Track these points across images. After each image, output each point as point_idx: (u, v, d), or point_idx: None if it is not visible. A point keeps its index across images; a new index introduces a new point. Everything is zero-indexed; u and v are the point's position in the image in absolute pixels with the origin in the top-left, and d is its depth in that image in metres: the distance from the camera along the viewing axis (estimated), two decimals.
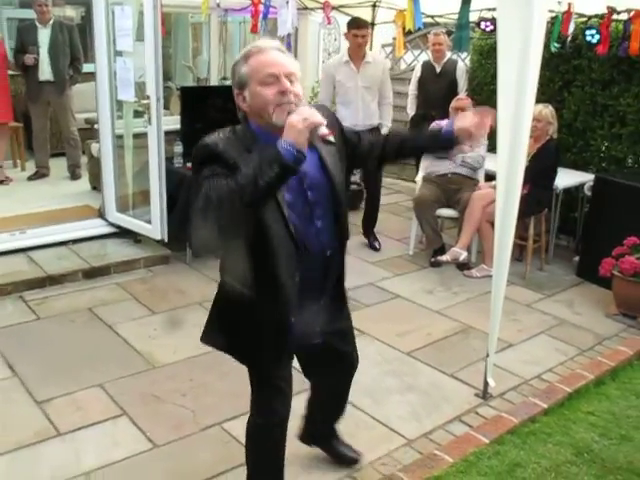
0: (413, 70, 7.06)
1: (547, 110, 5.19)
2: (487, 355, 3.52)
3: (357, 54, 5.30)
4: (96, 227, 5.50)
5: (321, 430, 2.95)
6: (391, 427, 3.24)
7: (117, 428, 3.17)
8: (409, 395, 3.56)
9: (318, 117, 1.88)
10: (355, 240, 5.69)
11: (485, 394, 3.55)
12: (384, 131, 5.42)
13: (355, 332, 4.19)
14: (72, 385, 3.49)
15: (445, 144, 2.40)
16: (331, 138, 1.96)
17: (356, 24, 5.30)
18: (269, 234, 2.08)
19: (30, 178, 7.25)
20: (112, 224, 5.53)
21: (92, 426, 3.17)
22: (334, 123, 2.20)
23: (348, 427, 3.14)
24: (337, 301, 2.43)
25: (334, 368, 2.65)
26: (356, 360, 2.70)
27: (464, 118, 2.30)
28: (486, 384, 3.54)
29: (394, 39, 7.22)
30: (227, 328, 2.35)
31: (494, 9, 5.55)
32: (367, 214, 5.93)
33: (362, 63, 5.35)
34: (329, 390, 2.78)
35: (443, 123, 5.66)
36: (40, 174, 7.31)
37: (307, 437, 2.94)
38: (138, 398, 3.40)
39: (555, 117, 5.25)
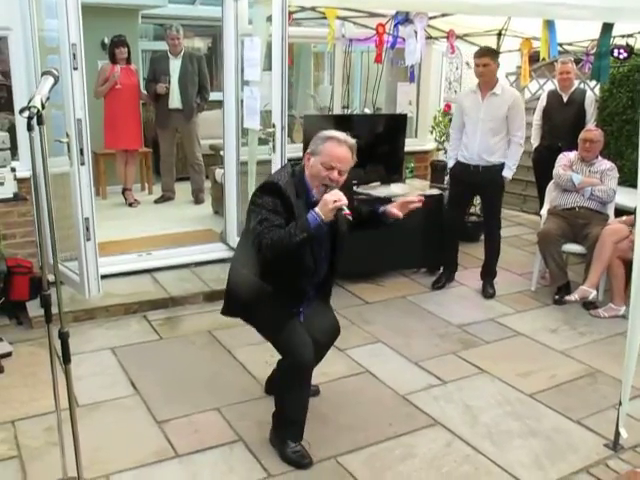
0: (538, 99, 6.84)
1: None
2: (619, 403, 3.28)
3: (482, 84, 5.14)
4: (218, 251, 5.64)
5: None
6: (513, 474, 3.07)
7: (233, 454, 3.18)
8: (532, 440, 3.37)
9: (344, 201, 2.72)
10: (475, 273, 5.53)
11: (616, 445, 3.31)
12: (505, 173, 5.18)
13: (474, 369, 4.11)
14: (190, 407, 3.55)
15: (379, 220, 3.26)
16: (349, 217, 2.76)
17: (476, 52, 5.17)
18: (304, 263, 3.04)
19: (156, 201, 7.57)
20: (233, 248, 5.64)
21: (209, 450, 3.20)
22: (351, 198, 3.01)
23: (466, 470, 3.02)
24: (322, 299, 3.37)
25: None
26: (336, 330, 3.47)
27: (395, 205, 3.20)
28: (617, 434, 3.30)
29: (519, 67, 7.04)
30: (245, 302, 3.09)
31: (629, 35, 5.31)
32: (485, 258, 5.58)
33: (488, 94, 5.15)
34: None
35: (571, 155, 5.51)
36: (166, 197, 7.61)
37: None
38: (254, 425, 3.40)
39: None
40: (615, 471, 3.13)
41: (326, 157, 2.87)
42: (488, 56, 5.00)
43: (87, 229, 4.45)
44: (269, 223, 2.80)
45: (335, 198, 2.71)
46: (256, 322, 3.21)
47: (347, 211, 2.73)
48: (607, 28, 3.41)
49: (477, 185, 5.30)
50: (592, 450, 3.30)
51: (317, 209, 2.74)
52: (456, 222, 5.59)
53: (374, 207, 3.29)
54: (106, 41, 7.45)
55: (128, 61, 7.13)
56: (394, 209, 3.15)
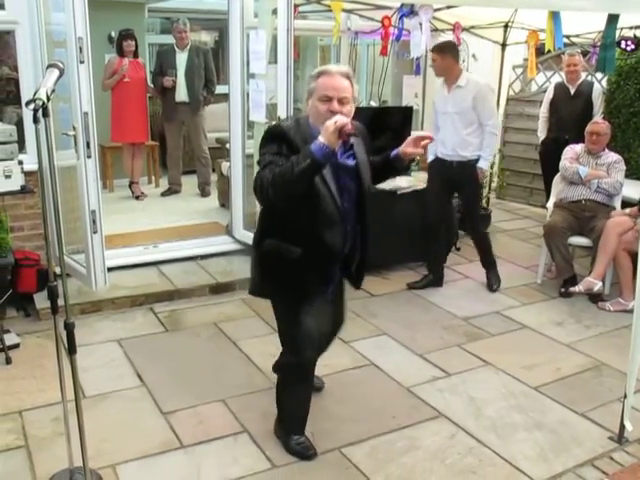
0: (545, 92, 6.81)
1: None
2: (624, 396, 3.28)
3: (445, 78, 5.03)
4: (223, 244, 5.66)
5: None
6: (517, 466, 3.08)
7: (237, 445, 3.21)
8: (536, 433, 3.38)
9: (345, 120, 2.49)
10: (480, 266, 5.52)
11: (621, 438, 3.31)
12: (480, 163, 5.07)
13: (478, 362, 4.12)
14: (196, 398, 3.57)
15: (395, 164, 2.99)
16: (352, 132, 2.51)
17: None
18: (321, 205, 2.76)
19: (163, 194, 7.59)
20: (239, 241, 5.66)
21: (214, 441, 3.22)
22: (365, 135, 2.97)
23: (470, 462, 3.03)
24: (343, 273, 3.16)
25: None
26: (342, 321, 3.44)
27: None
28: (622, 427, 3.30)
29: (525, 60, 7.02)
30: (272, 279, 2.94)
31: (636, 27, 5.29)
32: (479, 254, 5.52)
33: (453, 87, 5.01)
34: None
35: (577, 148, 5.50)
36: (172, 190, 7.64)
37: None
38: (259, 416, 3.42)
39: None
40: (620, 464, 3.13)
41: (320, 91, 2.69)
42: (436, 52, 4.93)
43: (94, 222, 4.47)
44: (274, 165, 2.60)
45: (334, 119, 2.49)
46: (277, 300, 3.05)
47: (349, 127, 2.49)
48: (612, 19, 3.40)
49: (453, 181, 5.22)
50: (597, 443, 3.30)
51: (320, 137, 2.51)
52: (439, 223, 5.37)
53: (385, 153, 3.06)
54: (113, 35, 7.47)
55: (135, 54, 7.15)
56: (408, 148, 2.91)
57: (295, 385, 3.11)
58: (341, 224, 2.85)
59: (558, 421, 3.49)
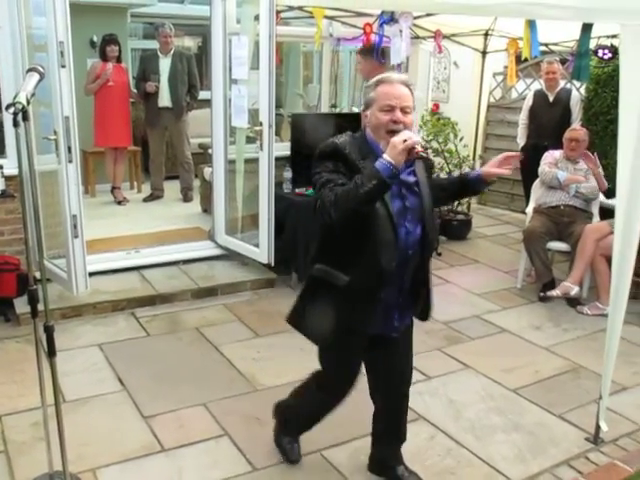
0: (524, 99, 6.90)
1: None
2: (600, 397, 3.34)
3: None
4: (206, 249, 5.67)
5: (386, 456, 3.01)
6: (495, 467, 3.12)
7: (218, 448, 3.22)
8: (514, 434, 3.42)
9: (415, 138, 2.30)
10: (461, 271, 5.57)
11: (596, 439, 3.37)
12: None
13: (459, 365, 4.15)
14: (177, 402, 3.58)
15: (474, 187, 2.81)
16: (424, 154, 2.34)
17: None
18: (377, 227, 2.45)
19: (145, 199, 7.58)
20: (221, 246, 5.68)
21: (194, 444, 3.23)
22: (429, 156, 2.60)
23: (449, 463, 3.07)
24: (409, 305, 2.70)
25: (390, 378, 2.87)
26: (410, 376, 2.92)
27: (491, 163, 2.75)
28: (598, 428, 3.36)
29: (505, 67, 7.10)
30: (315, 312, 2.64)
31: (613, 36, 5.37)
32: None
33: None
34: (386, 407, 2.96)
35: (556, 154, 5.57)
36: (155, 196, 7.63)
37: (374, 466, 3.05)
38: (240, 419, 3.44)
39: None
40: (595, 464, 3.18)
41: (381, 100, 2.45)
42: (360, 55, 4.97)
43: (75, 226, 4.47)
44: (332, 183, 2.37)
45: (404, 137, 2.28)
46: (314, 338, 2.73)
47: (419, 148, 2.30)
48: (586, 28, 3.47)
49: None
50: (573, 444, 3.36)
51: (385, 155, 2.29)
52: None
53: (464, 174, 2.89)
54: (95, 39, 7.46)
55: (119, 59, 7.15)
56: (493, 168, 2.70)
57: (314, 403, 2.99)
58: (400, 249, 2.50)
59: (536, 423, 3.54)
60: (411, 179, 2.56)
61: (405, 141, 2.26)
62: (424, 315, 2.80)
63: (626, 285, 3.14)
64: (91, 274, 4.78)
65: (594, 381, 3.83)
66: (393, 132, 2.39)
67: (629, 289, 3.22)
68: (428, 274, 2.69)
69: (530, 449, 3.30)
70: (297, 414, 3.08)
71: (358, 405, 3.59)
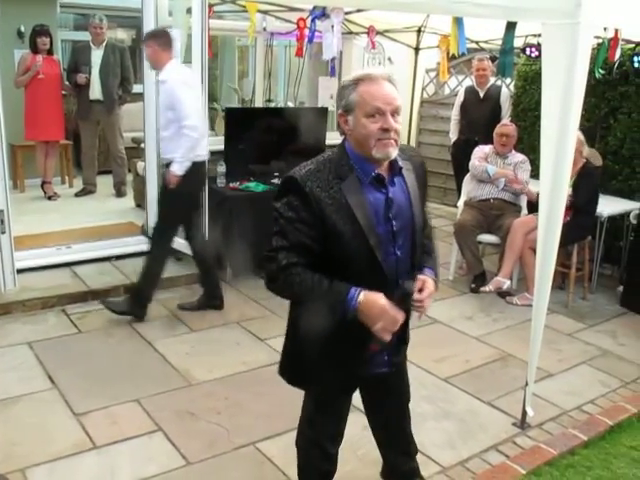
0: (456, 95, 7.05)
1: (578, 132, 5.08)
2: (526, 384, 3.46)
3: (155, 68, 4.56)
4: (139, 244, 5.57)
5: (400, 467, 2.81)
6: (426, 453, 3.19)
7: (152, 443, 3.20)
8: (445, 422, 3.51)
9: (385, 338, 2.03)
10: None
11: (523, 424, 3.49)
12: (172, 167, 4.31)
13: None
14: (109, 399, 3.53)
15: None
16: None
17: None
18: (356, 265, 2.11)
19: (77, 194, 7.42)
20: None
21: (127, 440, 3.20)
22: (418, 165, 2.31)
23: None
24: (401, 335, 2.36)
25: (387, 401, 2.62)
26: (408, 396, 2.71)
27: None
28: (524, 413, 3.48)
29: (438, 64, 7.24)
30: (300, 361, 2.36)
31: (540, 35, 5.54)
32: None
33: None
34: (385, 425, 2.72)
35: (486, 149, 5.71)
36: (87, 191, 7.48)
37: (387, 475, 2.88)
38: (173, 414, 3.42)
39: (584, 138, 5.09)
40: (522, 447, 3.29)
41: (368, 104, 2.04)
42: (143, 42, 4.54)
43: (1, 222, 4.35)
44: (284, 240, 2.06)
45: (383, 331, 2.01)
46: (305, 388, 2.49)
47: (375, 344, 2.13)
48: (511, 26, 3.58)
49: None
50: (501, 429, 3.47)
51: (363, 299, 2.00)
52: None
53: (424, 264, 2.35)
54: (23, 29, 7.25)
55: (50, 51, 6.96)
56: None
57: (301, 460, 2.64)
58: (391, 281, 2.15)
59: (466, 410, 3.64)
60: (398, 195, 2.18)
61: (387, 332, 2.02)
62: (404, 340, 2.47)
63: (549, 275, 3.26)
64: (20, 271, 4.67)
65: (522, 369, 3.94)
66: (382, 140, 2.05)
67: (554, 279, 3.34)
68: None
69: (460, 435, 3.40)
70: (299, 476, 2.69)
71: (291, 396, 3.63)
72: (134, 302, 4.48)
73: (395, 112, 2.07)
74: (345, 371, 2.30)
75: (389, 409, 2.62)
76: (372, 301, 2.01)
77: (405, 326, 2.26)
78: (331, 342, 2.15)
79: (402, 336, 2.36)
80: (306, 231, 2.05)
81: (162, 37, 4.35)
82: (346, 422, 2.54)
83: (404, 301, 2.08)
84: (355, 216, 2.07)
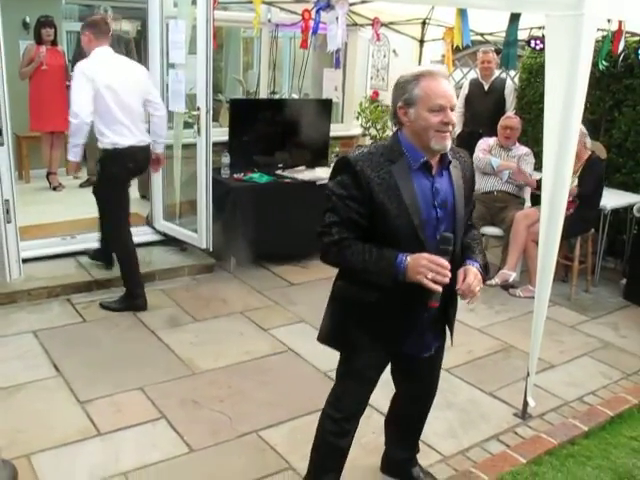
0: (461, 88, 7.04)
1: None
2: (527, 375, 3.48)
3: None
4: (143, 234, 5.60)
5: (400, 459, 2.95)
6: (428, 443, 3.22)
7: (156, 431, 3.23)
8: (447, 412, 3.53)
9: (444, 279, 2.13)
10: None
11: (524, 414, 3.51)
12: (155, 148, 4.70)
13: None
14: (114, 387, 3.57)
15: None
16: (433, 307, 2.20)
17: None
18: (401, 243, 2.23)
19: (82, 185, 7.43)
20: (159, 232, 5.64)
21: (131, 428, 3.23)
22: (464, 161, 2.46)
23: (382, 440, 3.14)
24: (440, 325, 2.56)
25: (414, 388, 2.78)
26: (434, 391, 2.83)
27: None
28: (526, 404, 3.50)
29: (443, 56, 7.22)
30: (346, 324, 2.47)
31: (544, 27, 5.53)
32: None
33: None
34: (405, 409, 2.86)
35: (490, 141, 5.71)
36: (92, 182, 7.44)
37: (388, 467, 3.00)
38: (177, 402, 3.46)
39: (585, 130, 5.09)
40: (523, 437, 3.32)
41: (431, 100, 2.19)
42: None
43: (7, 211, 4.36)
44: (336, 216, 2.23)
45: (431, 275, 2.12)
46: (346, 352, 2.54)
47: (434, 301, 2.18)
48: (514, 18, 3.58)
49: None
50: (503, 419, 3.50)
51: (409, 259, 2.15)
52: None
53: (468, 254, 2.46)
54: (28, 20, 7.26)
55: (54, 42, 6.97)
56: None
57: (322, 436, 2.67)
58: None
59: (468, 400, 3.67)
60: (444, 186, 2.33)
61: (429, 278, 2.11)
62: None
63: (551, 267, 3.28)
64: (25, 260, 4.69)
65: (523, 360, 3.96)
66: (441, 131, 2.21)
67: (556, 271, 3.36)
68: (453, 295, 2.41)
69: (462, 425, 3.42)
70: (314, 449, 2.70)
71: (294, 385, 3.67)
72: (126, 297, 4.57)
73: (452, 108, 2.23)
74: (392, 339, 2.42)
75: (419, 388, 2.78)
76: (418, 257, 2.15)
77: (451, 290, 2.29)
78: (385, 309, 2.33)
79: (438, 327, 2.52)
80: (356, 208, 2.22)
81: (97, 26, 4.46)
82: (368, 401, 2.61)
83: (445, 248, 2.20)
84: (402, 197, 2.22)
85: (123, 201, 4.61)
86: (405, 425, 2.91)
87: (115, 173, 4.47)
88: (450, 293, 2.32)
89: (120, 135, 4.41)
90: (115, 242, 4.68)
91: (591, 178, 5.05)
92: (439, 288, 2.14)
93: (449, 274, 2.15)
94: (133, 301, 4.56)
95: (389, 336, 2.41)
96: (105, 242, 4.94)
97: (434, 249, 2.22)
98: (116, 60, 4.55)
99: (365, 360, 2.47)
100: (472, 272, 2.31)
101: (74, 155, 4.47)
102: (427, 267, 2.13)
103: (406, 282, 2.17)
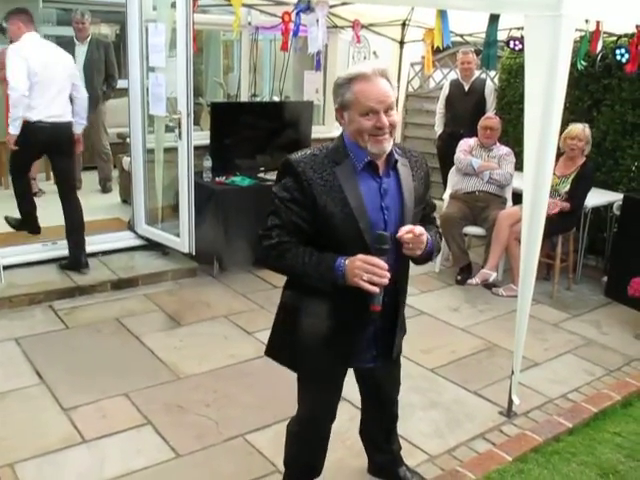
0: (442, 88, 7.08)
1: (588, 130, 5.20)
2: (512, 373, 3.50)
3: None
4: (125, 239, 5.59)
5: (385, 460, 2.94)
6: (413, 443, 3.23)
7: (141, 437, 3.21)
8: (432, 412, 3.55)
9: (382, 280, 2.05)
10: None
11: (509, 412, 3.53)
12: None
13: None
14: (98, 393, 3.54)
15: None
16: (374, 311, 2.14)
17: None
18: (346, 247, 2.15)
19: None
20: (141, 237, 5.61)
21: (116, 434, 3.21)
22: (422, 167, 2.41)
23: None
24: (390, 332, 2.44)
25: (375, 394, 2.78)
26: (395, 394, 2.82)
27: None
28: (510, 402, 3.52)
29: (423, 57, 7.25)
30: (292, 341, 2.39)
31: (523, 28, 5.58)
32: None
33: None
34: (378, 414, 2.86)
35: (471, 141, 5.75)
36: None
37: (374, 469, 2.98)
38: (162, 408, 3.44)
39: (590, 138, 5.24)
40: (508, 435, 3.34)
41: (362, 104, 2.12)
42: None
43: None
44: (278, 219, 2.17)
45: (367, 277, 2.05)
46: (297, 366, 2.49)
47: (375, 304, 2.11)
48: (493, 19, 3.61)
49: None
50: (488, 418, 3.51)
51: (346, 262, 2.07)
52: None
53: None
54: (4, 25, 7.17)
55: None
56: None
57: (295, 440, 2.68)
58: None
59: (453, 399, 3.68)
60: (392, 187, 2.26)
61: (362, 281, 2.05)
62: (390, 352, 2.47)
63: (534, 266, 3.29)
64: (6, 267, 4.66)
65: (508, 358, 3.99)
66: (376, 135, 2.14)
67: (539, 270, 3.38)
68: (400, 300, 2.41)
69: (447, 424, 3.43)
70: (291, 469, 2.74)
71: (279, 389, 3.65)
72: (23, 221, 5.21)
73: (389, 108, 2.14)
74: (340, 350, 2.35)
75: (382, 398, 2.76)
76: (353, 259, 2.08)
77: (395, 283, 2.25)
78: (327, 318, 2.25)
79: (395, 296, 2.35)
80: (298, 211, 2.15)
81: (26, 14, 4.91)
82: (339, 400, 2.59)
83: (381, 247, 2.10)
84: (347, 199, 2.15)
85: (25, 166, 5.13)
86: (376, 432, 2.89)
87: (24, 142, 4.79)
88: (397, 295, 2.31)
89: (36, 110, 4.74)
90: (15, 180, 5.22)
91: (583, 187, 5.14)
92: (376, 289, 2.06)
93: (387, 274, 2.07)
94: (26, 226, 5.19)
95: (340, 348, 2.34)
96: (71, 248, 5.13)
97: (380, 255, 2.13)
98: (46, 44, 4.97)
99: (322, 373, 2.43)
100: (415, 230, 2.16)
101: (14, 129, 4.73)
102: (362, 268, 2.05)
103: (346, 286, 2.09)
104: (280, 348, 2.49)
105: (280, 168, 2.25)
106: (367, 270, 2.05)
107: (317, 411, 2.57)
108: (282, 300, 2.45)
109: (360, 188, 2.18)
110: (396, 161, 2.27)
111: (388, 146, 2.19)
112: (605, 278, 5.47)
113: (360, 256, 2.08)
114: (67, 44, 7.03)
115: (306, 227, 2.17)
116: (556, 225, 4.88)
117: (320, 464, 2.71)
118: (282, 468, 2.88)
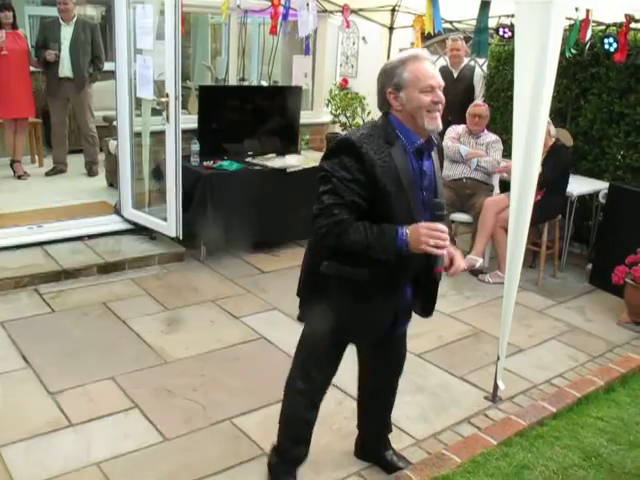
0: None
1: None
2: (497, 358, 3.53)
3: None
4: (112, 223, 5.56)
5: (374, 442, 3.01)
6: (400, 427, 3.25)
7: (128, 420, 3.21)
8: (418, 396, 3.58)
9: (445, 247, 2.21)
10: None
11: (494, 397, 3.57)
12: None
13: None
14: (84, 377, 3.53)
15: None
16: (439, 274, 2.41)
17: None
18: (396, 223, 2.27)
19: (47, 174, 7.31)
20: (128, 220, 5.58)
21: (103, 418, 3.21)
22: (440, 156, 2.58)
23: (354, 425, 3.17)
24: (411, 304, 2.65)
25: (385, 362, 2.89)
26: (402, 361, 2.96)
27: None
28: (496, 387, 3.56)
29: (412, 44, 7.23)
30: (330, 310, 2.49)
31: (513, 15, 5.57)
32: None
33: None
34: (374, 383, 2.95)
35: (459, 128, 5.75)
36: (57, 170, 7.37)
37: (361, 451, 3.04)
38: (150, 392, 3.44)
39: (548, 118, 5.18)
40: (493, 420, 3.37)
41: (421, 81, 2.25)
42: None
43: None
44: (338, 198, 2.23)
45: (433, 242, 2.16)
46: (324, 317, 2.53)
47: (439, 266, 2.32)
48: (485, 6, 3.62)
49: None
50: (473, 402, 3.55)
51: (409, 232, 2.20)
52: None
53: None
54: None
55: (14, 26, 6.82)
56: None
57: (287, 399, 2.77)
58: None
59: (439, 384, 3.71)
60: (429, 170, 2.40)
61: (432, 246, 2.16)
62: (427, 310, 2.71)
63: (520, 253, 3.33)
64: None
65: (493, 344, 4.02)
66: (432, 111, 2.28)
67: (525, 258, 3.41)
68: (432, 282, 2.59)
69: (433, 409, 3.46)
70: (283, 424, 2.80)
71: (266, 373, 3.67)
72: None
73: (440, 86, 2.31)
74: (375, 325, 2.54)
75: (389, 360, 2.88)
76: (416, 227, 2.21)
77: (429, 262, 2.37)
78: (374, 286, 2.39)
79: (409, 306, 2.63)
80: (358, 190, 2.24)
81: None
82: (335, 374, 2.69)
83: (440, 214, 2.31)
84: (400, 180, 2.29)
85: None
86: (377, 398, 2.97)
87: None
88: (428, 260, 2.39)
89: None
90: None
91: (553, 163, 5.09)
92: (443, 252, 2.22)
93: (448, 237, 2.22)
94: None
95: (372, 321, 2.51)
96: None
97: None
98: None
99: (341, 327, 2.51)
100: (458, 255, 2.42)
101: None
102: (428, 235, 2.18)
103: (409, 254, 2.22)
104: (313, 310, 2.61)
105: (337, 145, 2.32)
106: (432, 236, 2.18)
107: (316, 376, 2.67)
108: (322, 270, 2.44)
109: (410, 169, 2.32)
110: (435, 144, 2.43)
111: (440, 124, 2.33)
112: (590, 266, 5.51)
113: (423, 224, 2.22)
114: (52, 24, 6.98)
115: (364, 205, 2.27)
116: (542, 212, 4.89)
117: (309, 436, 2.77)
118: (269, 451, 2.89)
